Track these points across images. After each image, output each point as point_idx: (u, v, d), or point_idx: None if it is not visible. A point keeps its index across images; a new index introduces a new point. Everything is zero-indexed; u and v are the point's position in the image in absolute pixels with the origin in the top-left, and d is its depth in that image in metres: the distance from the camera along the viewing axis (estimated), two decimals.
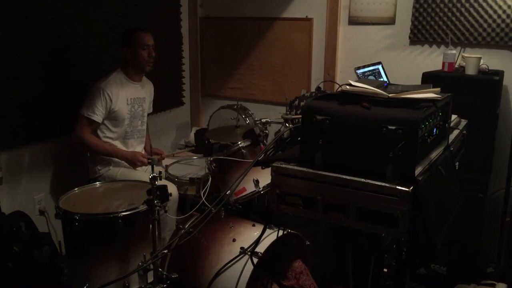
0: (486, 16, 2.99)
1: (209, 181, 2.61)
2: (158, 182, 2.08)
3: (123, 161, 2.88)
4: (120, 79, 2.89)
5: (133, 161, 2.85)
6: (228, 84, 4.14)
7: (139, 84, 3.00)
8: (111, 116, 2.84)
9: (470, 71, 2.82)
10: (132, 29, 2.94)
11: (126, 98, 2.89)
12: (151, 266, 2.14)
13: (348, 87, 1.49)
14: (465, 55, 2.94)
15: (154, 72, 3.06)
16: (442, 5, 3.11)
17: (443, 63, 2.92)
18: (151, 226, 2.13)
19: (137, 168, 2.92)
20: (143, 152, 3.09)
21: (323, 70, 3.64)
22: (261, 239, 2.00)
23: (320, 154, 1.38)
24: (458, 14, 3.07)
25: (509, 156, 2.79)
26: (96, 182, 2.62)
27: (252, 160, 1.62)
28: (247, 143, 2.66)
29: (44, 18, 2.78)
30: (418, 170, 1.30)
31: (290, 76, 3.81)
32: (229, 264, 2.23)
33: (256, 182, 2.58)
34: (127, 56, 2.89)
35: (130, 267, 2.18)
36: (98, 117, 2.76)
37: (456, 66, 2.99)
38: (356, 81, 1.55)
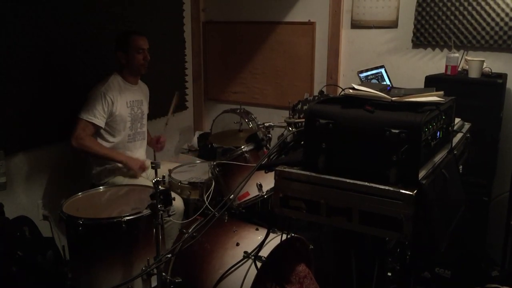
0: (489, 19, 2.99)
1: (213, 186, 2.61)
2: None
3: (127, 168, 2.88)
4: (118, 82, 2.88)
5: (131, 166, 2.81)
6: (231, 88, 4.14)
7: (136, 87, 3.00)
8: (113, 120, 2.82)
9: (473, 74, 2.82)
10: (127, 32, 2.91)
11: (126, 101, 2.89)
12: (155, 271, 2.13)
13: (351, 90, 1.49)
14: (468, 58, 2.93)
15: (157, 76, 3.06)
16: (444, 8, 3.11)
17: (446, 66, 2.92)
18: (154, 230, 2.13)
19: (141, 176, 2.92)
20: (144, 156, 3.09)
21: (326, 73, 3.64)
22: (265, 243, 2.00)
23: (323, 158, 1.38)
24: (461, 17, 3.07)
25: None
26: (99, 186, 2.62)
27: (255, 164, 1.62)
28: (250, 147, 2.66)
29: (45, 22, 2.78)
30: (421, 174, 1.30)
31: (293, 80, 3.82)
32: (232, 269, 2.22)
33: (260, 186, 2.58)
34: (121, 61, 2.87)
35: (133, 272, 2.18)
36: (99, 120, 2.74)
37: (459, 69, 2.99)
38: (359, 85, 1.55)
